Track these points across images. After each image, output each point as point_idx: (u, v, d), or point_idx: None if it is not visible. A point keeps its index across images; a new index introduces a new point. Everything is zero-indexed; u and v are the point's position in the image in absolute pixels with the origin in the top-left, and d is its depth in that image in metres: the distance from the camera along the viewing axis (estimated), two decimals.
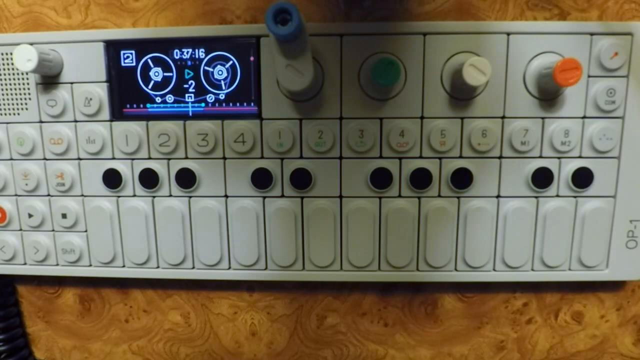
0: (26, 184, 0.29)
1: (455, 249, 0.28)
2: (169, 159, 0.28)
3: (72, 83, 0.28)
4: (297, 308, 0.32)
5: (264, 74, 0.27)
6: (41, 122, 0.28)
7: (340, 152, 0.27)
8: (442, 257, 0.28)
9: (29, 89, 0.28)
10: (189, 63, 0.27)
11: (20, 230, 0.30)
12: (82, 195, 0.29)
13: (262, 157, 0.28)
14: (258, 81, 0.27)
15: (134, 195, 0.29)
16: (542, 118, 0.27)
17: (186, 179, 0.28)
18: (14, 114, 0.28)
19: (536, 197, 0.27)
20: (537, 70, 0.26)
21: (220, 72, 0.27)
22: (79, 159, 0.28)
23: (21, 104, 0.28)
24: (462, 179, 0.27)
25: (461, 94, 0.26)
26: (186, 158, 0.28)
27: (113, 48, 0.27)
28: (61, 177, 0.29)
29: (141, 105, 0.28)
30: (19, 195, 0.29)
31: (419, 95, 0.27)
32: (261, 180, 0.28)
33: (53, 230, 0.29)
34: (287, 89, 0.24)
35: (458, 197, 0.28)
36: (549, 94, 0.26)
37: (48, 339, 0.34)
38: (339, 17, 0.28)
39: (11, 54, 0.27)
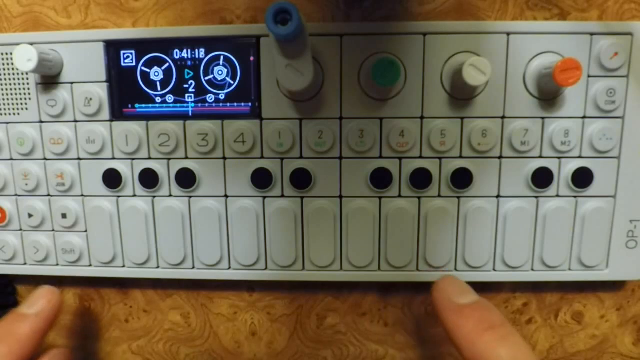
0: (26, 184, 0.29)
1: (455, 249, 0.28)
2: (169, 159, 0.28)
3: (72, 83, 0.28)
4: (297, 308, 0.32)
5: (264, 74, 0.27)
6: (41, 122, 0.28)
7: (340, 152, 0.27)
8: (442, 257, 0.28)
9: (29, 89, 0.28)
10: (189, 63, 0.27)
11: (20, 230, 0.30)
12: (82, 195, 0.29)
13: (262, 157, 0.28)
14: (258, 81, 0.27)
15: (134, 195, 0.29)
16: (542, 118, 0.27)
17: (186, 179, 0.28)
18: (14, 114, 0.28)
19: (536, 197, 0.27)
20: (537, 70, 0.26)
21: (220, 72, 0.27)
22: (79, 159, 0.28)
23: (21, 104, 0.28)
24: (462, 179, 0.27)
25: (461, 94, 0.26)
26: (186, 158, 0.28)
27: (113, 48, 0.27)
28: (61, 177, 0.29)
29: (141, 105, 0.28)
30: (19, 195, 0.29)
31: (419, 95, 0.27)
32: (261, 180, 0.28)
33: (53, 230, 0.29)
34: (287, 89, 0.24)
35: (458, 197, 0.28)
36: (549, 94, 0.26)
37: (48, 339, 0.34)
38: (339, 17, 0.28)
39: (11, 54, 0.27)
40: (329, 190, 0.28)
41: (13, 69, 0.28)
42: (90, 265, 0.30)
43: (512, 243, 0.28)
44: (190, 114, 0.28)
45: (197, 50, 0.27)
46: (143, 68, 0.27)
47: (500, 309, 0.31)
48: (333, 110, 0.27)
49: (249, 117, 0.27)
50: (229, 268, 0.29)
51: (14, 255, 0.30)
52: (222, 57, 0.27)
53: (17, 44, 0.25)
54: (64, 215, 0.29)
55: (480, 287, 0.31)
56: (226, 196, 0.28)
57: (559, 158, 0.27)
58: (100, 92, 0.27)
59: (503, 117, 0.27)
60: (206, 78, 0.27)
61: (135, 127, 0.28)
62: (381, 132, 0.27)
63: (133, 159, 0.28)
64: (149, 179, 0.28)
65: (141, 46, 0.27)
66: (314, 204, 0.28)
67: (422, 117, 0.27)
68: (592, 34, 0.26)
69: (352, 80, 0.26)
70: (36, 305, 0.27)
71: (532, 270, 0.28)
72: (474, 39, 0.26)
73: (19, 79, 0.28)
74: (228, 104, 0.27)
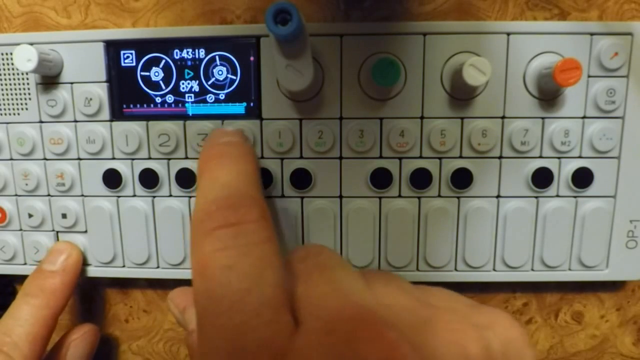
0: (26, 184, 0.29)
1: (455, 249, 0.28)
2: (169, 159, 0.28)
3: (72, 83, 0.28)
4: None
5: (264, 74, 0.27)
6: (41, 122, 0.28)
7: (340, 152, 0.27)
8: (442, 257, 0.28)
9: (29, 89, 0.28)
10: (189, 63, 0.27)
11: (20, 230, 0.30)
12: (82, 195, 0.29)
13: (262, 157, 0.28)
14: (258, 81, 0.27)
15: (134, 195, 0.29)
16: (542, 118, 0.27)
17: (186, 179, 0.28)
18: (14, 114, 0.28)
19: (536, 197, 0.27)
20: (537, 70, 0.26)
21: (220, 72, 0.27)
22: (79, 159, 0.28)
23: (21, 104, 0.28)
24: (462, 179, 0.27)
25: (461, 94, 0.26)
26: (186, 158, 0.28)
27: (113, 48, 0.27)
28: (61, 177, 0.29)
29: (141, 105, 0.28)
30: (19, 195, 0.29)
31: (419, 95, 0.27)
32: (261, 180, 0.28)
33: (53, 230, 0.29)
34: (287, 89, 0.24)
35: (458, 197, 0.28)
36: (549, 94, 0.26)
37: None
38: (339, 17, 0.28)
39: (11, 54, 0.27)
40: (329, 190, 0.28)
41: (13, 69, 0.28)
42: (90, 265, 0.30)
43: (512, 243, 0.28)
44: (190, 114, 0.28)
45: (197, 50, 0.27)
46: (143, 68, 0.27)
47: (500, 309, 0.31)
48: (333, 110, 0.27)
49: (249, 117, 0.27)
50: None
51: (14, 255, 0.30)
52: (222, 57, 0.27)
53: (17, 44, 0.25)
54: (64, 215, 0.29)
55: (481, 287, 0.31)
56: None
57: (559, 158, 0.27)
58: (100, 92, 0.27)
59: (503, 117, 0.27)
60: (206, 78, 0.27)
61: (135, 127, 0.28)
62: (381, 132, 0.27)
63: (133, 159, 0.28)
64: (149, 179, 0.28)
65: (141, 46, 0.27)
66: (314, 204, 0.28)
67: (422, 117, 0.27)
68: (592, 34, 0.26)
69: (352, 80, 0.26)
70: (58, 261, 0.28)
71: (532, 270, 0.28)
72: (474, 39, 0.26)
73: (19, 79, 0.28)
74: (228, 104, 0.27)
